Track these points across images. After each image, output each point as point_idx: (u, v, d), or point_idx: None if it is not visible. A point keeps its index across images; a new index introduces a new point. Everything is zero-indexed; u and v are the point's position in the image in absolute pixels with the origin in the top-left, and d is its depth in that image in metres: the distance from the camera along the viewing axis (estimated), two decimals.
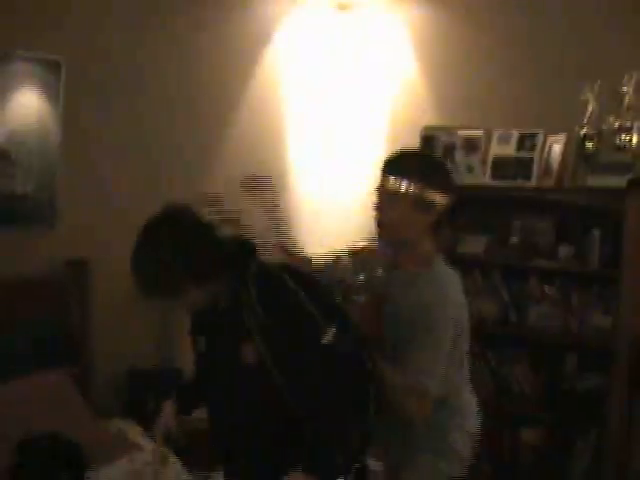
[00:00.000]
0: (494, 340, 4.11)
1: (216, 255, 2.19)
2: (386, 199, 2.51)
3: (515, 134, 4.02)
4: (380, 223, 2.54)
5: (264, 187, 4.73)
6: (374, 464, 2.60)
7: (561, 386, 3.85)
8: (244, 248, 2.31)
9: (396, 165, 2.52)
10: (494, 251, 4.12)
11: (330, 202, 4.94)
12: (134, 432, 3.57)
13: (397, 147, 4.49)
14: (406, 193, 2.45)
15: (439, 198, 2.47)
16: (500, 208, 4.17)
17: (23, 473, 2.94)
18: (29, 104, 3.57)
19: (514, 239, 4.07)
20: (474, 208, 4.27)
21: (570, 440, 3.81)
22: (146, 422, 3.68)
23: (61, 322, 3.67)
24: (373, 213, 2.56)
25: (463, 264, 4.16)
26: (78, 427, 3.23)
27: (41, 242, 3.68)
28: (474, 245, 4.17)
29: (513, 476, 4.02)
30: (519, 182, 3.95)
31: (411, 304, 2.42)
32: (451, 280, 2.56)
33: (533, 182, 3.91)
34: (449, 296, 2.49)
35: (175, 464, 2.94)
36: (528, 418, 3.98)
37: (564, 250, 3.87)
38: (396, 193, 2.46)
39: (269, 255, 3.79)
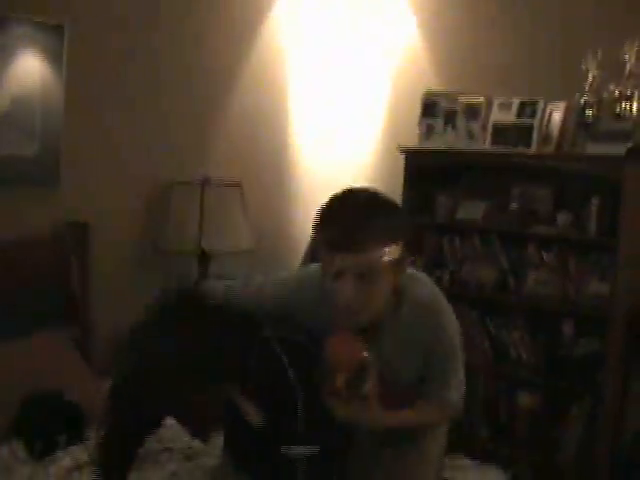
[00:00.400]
0: (492, 306, 4.14)
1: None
2: (357, 279, 2.02)
3: (516, 101, 4.01)
4: (354, 311, 2.07)
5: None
6: None
7: (558, 352, 3.88)
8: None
9: (360, 233, 2.00)
10: (493, 217, 4.14)
11: (333, 177, 4.94)
12: None
13: (399, 114, 4.61)
14: (385, 262, 2.03)
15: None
16: (499, 174, 4.18)
17: (25, 430, 3.01)
18: (32, 68, 3.57)
19: (513, 205, 4.09)
20: (473, 174, 4.30)
21: (565, 405, 3.86)
22: None
23: (62, 283, 3.69)
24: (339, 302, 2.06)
25: (462, 230, 4.22)
26: (78, 387, 3.27)
27: (43, 204, 3.69)
28: (473, 211, 4.18)
29: (509, 440, 4.07)
30: (519, 149, 3.95)
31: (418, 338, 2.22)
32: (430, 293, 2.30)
33: (533, 149, 3.91)
34: (441, 302, 2.32)
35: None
36: (525, 383, 4.03)
37: (563, 217, 3.89)
38: (373, 267, 2.02)
39: None
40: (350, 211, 2.06)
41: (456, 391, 2.34)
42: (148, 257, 4.14)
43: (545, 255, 3.94)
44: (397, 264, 2.07)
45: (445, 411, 2.37)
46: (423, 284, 2.29)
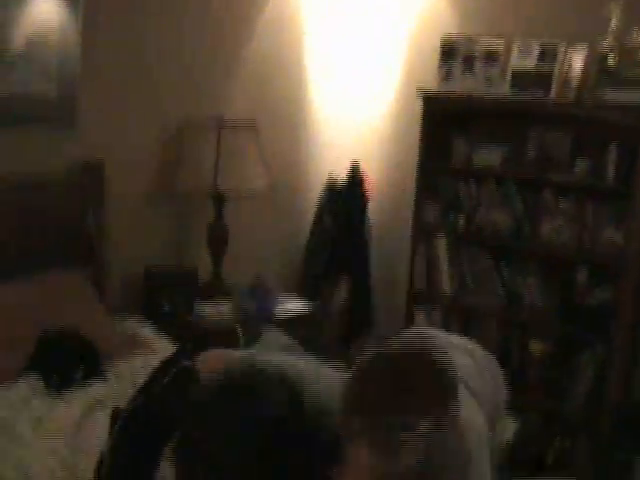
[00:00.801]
0: (507, 252, 4.15)
1: None
2: None
3: (536, 46, 3.96)
4: None
5: None
6: None
7: (571, 300, 3.89)
8: None
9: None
10: (510, 163, 4.12)
11: (349, 120, 4.91)
12: (149, 332, 3.66)
13: (417, 58, 4.56)
14: None
15: None
16: (517, 120, 4.15)
17: (42, 365, 3.05)
18: (48, 8, 3.54)
19: (530, 152, 4.06)
20: (491, 119, 4.26)
21: (577, 353, 3.87)
22: (161, 322, 3.78)
23: (77, 223, 3.71)
24: None
25: (478, 175, 4.21)
26: (93, 326, 3.32)
27: (60, 144, 3.69)
28: (490, 157, 4.15)
29: (519, 387, 4.10)
30: (538, 94, 3.91)
31: None
32: None
33: (552, 95, 3.87)
34: None
35: None
36: (537, 330, 4.04)
37: (580, 164, 3.86)
38: None
39: None
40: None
41: None
42: (163, 198, 4.14)
43: (561, 202, 3.92)
44: None
45: None
46: None
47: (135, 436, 2.06)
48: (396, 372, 1.66)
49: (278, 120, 4.65)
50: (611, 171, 3.74)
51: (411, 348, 1.74)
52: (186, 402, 1.85)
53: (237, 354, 2.10)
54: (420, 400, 1.64)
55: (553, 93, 3.86)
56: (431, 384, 1.66)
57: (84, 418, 2.81)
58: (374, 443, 1.63)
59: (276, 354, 2.08)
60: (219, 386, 1.81)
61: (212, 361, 2.04)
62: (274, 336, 2.43)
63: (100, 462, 2.13)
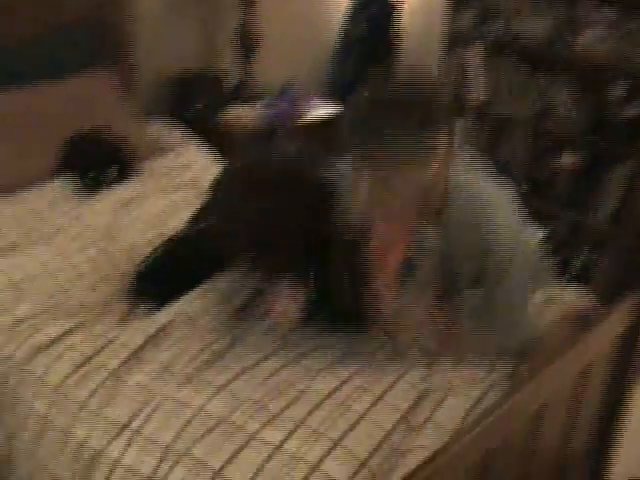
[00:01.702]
0: (543, 62, 4.04)
1: None
2: None
3: None
4: None
5: None
6: None
7: (606, 112, 3.82)
8: None
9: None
10: None
11: None
12: (177, 134, 3.67)
13: None
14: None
15: None
16: None
17: (73, 166, 3.10)
18: None
19: None
20: None
21: (607, 167, 3.85)
22: (189, 123, 3.79)
23: (107, 25, 3.65)
24: None
25: None
26: (124, 127, 3.34)
27: None
28: None
29: (548, 198, 4.11)
30: None
31: None
32: None
33: None
34: None
35: None
36: (569, 142, 4.00)
37: None
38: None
39: None
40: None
41: None
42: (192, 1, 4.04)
43: (604, 11, 3.78)
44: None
45: None
46: None
47: None
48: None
49: None
50: None
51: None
52: None
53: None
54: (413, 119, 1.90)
55: None
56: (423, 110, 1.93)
57: (117, 215, 2.88)
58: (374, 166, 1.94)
59: None
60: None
61: None
62: None
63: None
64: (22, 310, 2.32)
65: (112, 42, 3.64)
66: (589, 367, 2.04)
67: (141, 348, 2.16)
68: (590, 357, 2.02)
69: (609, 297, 2.20)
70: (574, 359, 1.93)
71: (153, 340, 2.19)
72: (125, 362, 2.11)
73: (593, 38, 3.81)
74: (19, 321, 2.29)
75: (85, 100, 3.33)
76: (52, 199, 2.95)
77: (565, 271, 3.97)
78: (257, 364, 2.12)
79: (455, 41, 4.26)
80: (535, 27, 3.96)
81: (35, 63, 3.29)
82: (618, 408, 2.27)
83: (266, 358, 2.15)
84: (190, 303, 2.31)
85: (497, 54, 4.17)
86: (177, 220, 2.77)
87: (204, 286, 2.35)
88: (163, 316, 2.27)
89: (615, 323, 2.09)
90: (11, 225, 2.76)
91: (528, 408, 1.79)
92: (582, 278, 3.97)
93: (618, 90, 3.81)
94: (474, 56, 4.21)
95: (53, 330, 2.22)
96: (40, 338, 2.20)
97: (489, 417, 1.63)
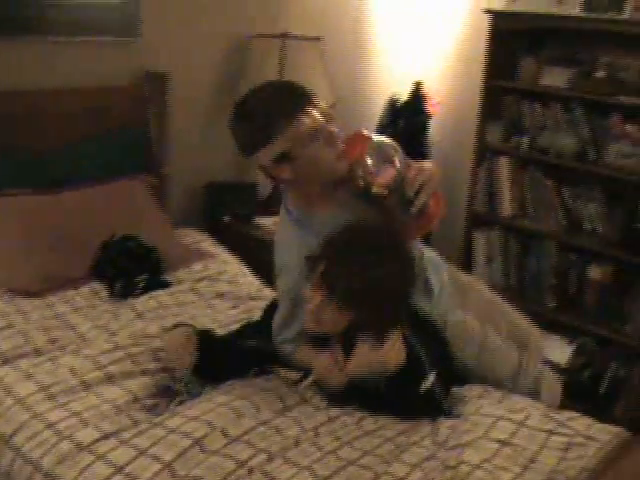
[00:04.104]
0: (570, 176, 4.08)
1: None
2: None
3: None
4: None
5: None
6: None
7: (634, 226, 3.83)
8: None
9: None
10: (577, 85, 4.00)
11: (413, 35, 4.81)
12: (208, 242, 3.70)
13: None
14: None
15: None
16: (588, 41, 4.03)
17: (105, 270, 3.13)
18: None
19: (599, 74, 3.96)
20: (560, 39, 4.15)
21: (637, 280, 3.83)
22: (220, 233, 3.82)
23: (141, 133, 3.74)
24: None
25: (544, 96, 4.12)
26: (156, 234, 3.38)
27: (124, 54, 3.70)
28: (557, 77, 4.05)
29: (576, 312, 4.08)
30: (610, 14, 3.79)
31: None
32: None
33: (626, 15, 3.75)
34: None
35: None
36: (597, 256, 4.00)
37: None
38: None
39: None
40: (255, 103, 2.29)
41: None
42: (225, 111, 4.12)
43: (629, 126, 3.83)
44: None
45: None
46: None
47: None
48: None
49: (342, 37, 4.60)
50: None
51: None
52: None
53: None
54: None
55: (627, 12, 3.73)
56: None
57: (145, 322, 2.88)
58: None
59: None
60: None
61: None
62: None
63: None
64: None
65: (148, 152, 3.72)
66: None
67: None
68: None
69: None
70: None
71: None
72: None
73: (619, 153, 3.85)
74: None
75: (119, 206, 3.39)
76: (81, 305, 2.96)
77: (593, 392, 3.92)
78: None
79: (483, 154, 4.31)
80: (561, 142, 4.00)
81: (72, 167, 3.39)
82: None
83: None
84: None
85: (523, 168, 4.22)
86: (211, 324, 2.80)
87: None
88: None
89: None
90: (38, 329, 2.75)
91: None
92: (612, 394, 3.91)
93: None
94: (502, 169, 4.26)
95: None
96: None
97: None
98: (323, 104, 2.34)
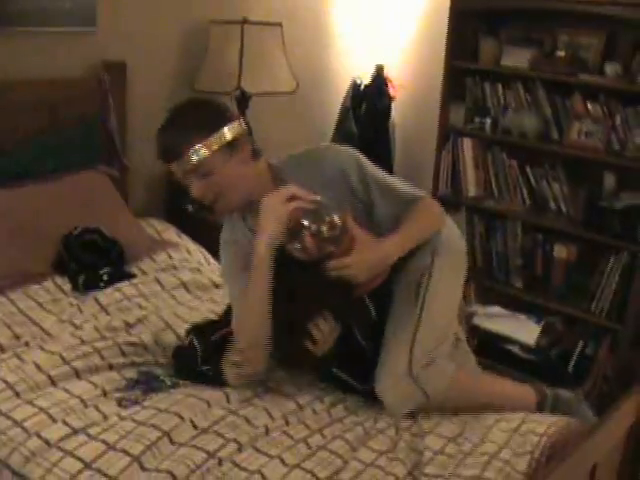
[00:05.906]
0: (533, 156, 4.09)
1: None
2: (201, 178, 2.30)
3: None
4: (211, 204, 2.38)
5: None
6: None
7: (598, 204, 3.85)
8: None
9: (171, 141, 2.31)
10: (538, 65, 4.01)
11: (375, 18, 4.79)
12: (171, 232, 3.67)
13: None
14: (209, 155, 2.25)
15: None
16: (547, 21, 4.04)
17: (68, 264, 3.07)
18: None
19: (560, 53, 3.97)
20: (519, 19, 4.15)
21: (602, 258, 3.85)
22: (184, 222, 3.78)
23: (99, 124, 3.68)
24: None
25: (506, 77, 4.13)
26: (118, 225, 3.33)
27: (80, 44, 3.64)
28: (518, 58, 4.05)
29: (543, 291, 4.10)
30: None
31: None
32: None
33: None
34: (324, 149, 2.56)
35: None
36: (562, 235, 4.02)
37: (611, 67, 3.76)
38: (200, 164, 2.27)
39: None
40: (167, 127, 2.34)
41: (413, 190, 2.48)
42: (185, 97, 4.08)
43: (590, 105, 3.85)
44: (230, 148, 2.28)
45: (428, 202, 2.52)
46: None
47: None
48: None
49: (303, 22, 4.56)
50: None
51: None
52: None
53: None
54: None
55: None
56: None
57: (109, 315, 2.84)
58: None
59: None
60: None
61: None
62: None
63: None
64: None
65: (107, 143, 3.67)
66: (601, 460, 2.00)
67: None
68: (601, 452, 1.98)
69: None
70: (586, 455, 1.89)
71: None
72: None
73: (581, 132, 3.86)
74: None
75: (80, 199, 3.33)
76: (44, 300, 2.91)
77: (562, 372, 3.95)
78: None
79: (447, 136, 4.32)
80: (524, 122, 4.01)
81: (30, 160, 3.32)
82: None
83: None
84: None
85: (487, 149, 4.23)
86: (174, 318, 2.78)
87: None
88: None
89: (624, 415, 2.05)
90: (1, 326, 2.70)
91: None
92: (580, 372, 3.94)
93: (609, 182, 3.85)
94: (466, 151, 4.26)
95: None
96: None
97: None
98: (240, 125, 2.35)
